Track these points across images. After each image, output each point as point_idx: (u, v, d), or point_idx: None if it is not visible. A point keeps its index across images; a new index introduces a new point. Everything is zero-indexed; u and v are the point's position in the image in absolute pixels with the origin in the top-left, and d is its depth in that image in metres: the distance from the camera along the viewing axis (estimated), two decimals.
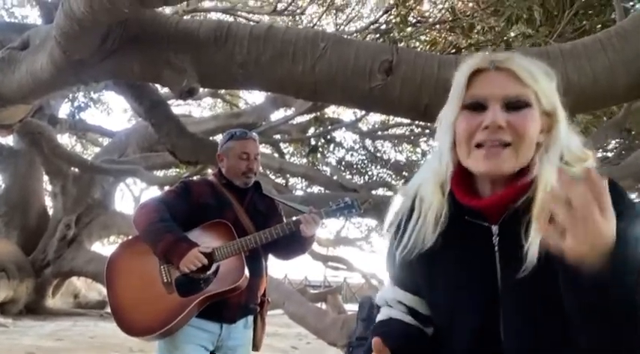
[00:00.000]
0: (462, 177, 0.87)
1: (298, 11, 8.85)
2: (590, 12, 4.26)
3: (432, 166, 0.91)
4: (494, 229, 0.83)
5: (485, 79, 0.83)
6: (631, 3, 4.01)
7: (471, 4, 5.45)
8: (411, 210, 0.92)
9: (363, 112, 8.01)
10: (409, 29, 5.56)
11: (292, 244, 2.08)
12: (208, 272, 1.91)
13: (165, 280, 1.91)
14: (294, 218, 2.05)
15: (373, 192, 8.97)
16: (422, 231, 0.87)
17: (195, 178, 2.35)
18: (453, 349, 0.86)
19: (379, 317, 0.97)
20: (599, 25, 3.94)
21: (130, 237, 2.27)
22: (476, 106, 0.82)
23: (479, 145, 0.82)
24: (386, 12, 6.78)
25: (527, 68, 0.83)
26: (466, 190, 0.86)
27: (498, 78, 0.82)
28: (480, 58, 0.85)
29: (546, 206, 0.63)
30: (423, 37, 6.48)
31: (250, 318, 2.10)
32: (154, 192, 10.65)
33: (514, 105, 0.81)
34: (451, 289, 0.85)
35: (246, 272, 1.92)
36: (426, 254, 0.87)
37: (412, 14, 6.14)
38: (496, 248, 0.83)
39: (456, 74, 0.86)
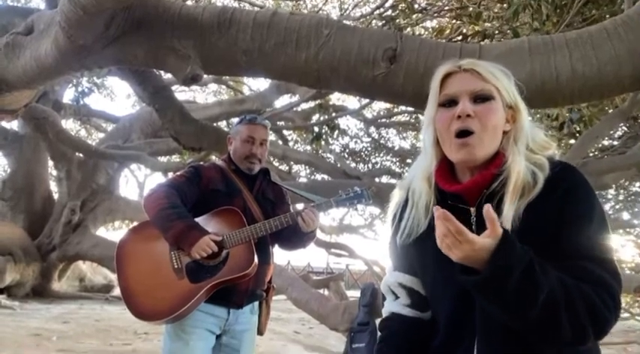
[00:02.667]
0: (445, 168, 1.02)
1: None
2: (599, 1, 4.20)
3: (420, 163, 1.06)
4: (472, 210, 0.97)
5: (455, 79, 1.00)
6: None
7: None
8: (406, 201, 1.06)
9: (368, 100, 7.97)
10: (415, 16, 5.50)
11: (296, 235, 2.09)
12: (218, 259, 1.93)
13: (176, 266, 1.93)
14: (300, 209, 2.05)
15: (377, 179, 8.98)
16: (415, 218, 1.02)
17: (203, 162, 2.34)
18: (440, 318, 1.01)
19: (383, 312, 1.13)
20: (608, 15, 3.89)
21: (137, 222, 2.28)
22: (449, 102, 0.99)
23: (456, 136, 0.96)
24: None
25: (488, 68, 0.99)
26: (448, 179, 1.00)
27: (465, 77, 0.99)
28: (449, 63, 1.02)
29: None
30: (429, 24, 6.42)
31: (256, 303, 2.12)
32: (158, 178, 10.70)
33: (480, 97, 0.97)
34: (438, 263, 0.97)
35: (256, 260, 1.94)
36: (420, 238, 1.02)
37: (418, 0, 6.08)
38: (474, 227, 0.95)
39: (432, 80, 1.03)
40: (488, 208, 0.82)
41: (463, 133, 0.95)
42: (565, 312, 0.82)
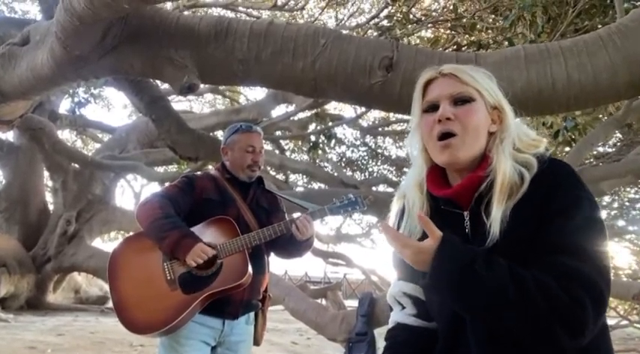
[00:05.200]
0: (436, 174, 1.02)
1: (300, 5, 8.83)
2: (592, 12, 4.24)
3: (412, 170, 1.08)
4: (466, 214, 0.97)
5: (435, 85, 1.01)
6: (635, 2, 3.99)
7: (474, 6, 5.44)
8: (404, 209, 1.07)
9: (364, 109, 8.00)
10: (411, 26, 5.54)
11: (292, 243, 2.07)
12: (212, 269, 1.91)
13: (169, 278, 1.91)
14: (294, 217, 2.04)
15: (374, 188, 8.97)
16: (411, 225, 1.03)
17: (197, 172, 2.34)
18: (439, 326, 1.01)
19: (389, 323, 1.12)
20: (600, 26, 3.93)
21: (132, 233, 2.26)
22: (432, 108, 1.00)
23: (438, 139, 0.97)
24: (386, 7, 6.76)
25: (467, 72, 1.00)
26: (439, 184, 1.00)
27: (445, 82, 1.00)
28: (430, 70, 1.03)
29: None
30: (424, 34, 6.47)
31: (252, 314, 2.10)
32: (155, 188, 10.66)
33: (460, 100, 0.97)
34: None
35: (250, 269, 1.92)
36: None
37: (414, 10, 6.13)
38: (468, 230, 0.96)
39: (415, 88, 1.04)
40: (419, 215, 0.89)
41: (445, 136, 0.96)
42: (517, 311, 0.80)
